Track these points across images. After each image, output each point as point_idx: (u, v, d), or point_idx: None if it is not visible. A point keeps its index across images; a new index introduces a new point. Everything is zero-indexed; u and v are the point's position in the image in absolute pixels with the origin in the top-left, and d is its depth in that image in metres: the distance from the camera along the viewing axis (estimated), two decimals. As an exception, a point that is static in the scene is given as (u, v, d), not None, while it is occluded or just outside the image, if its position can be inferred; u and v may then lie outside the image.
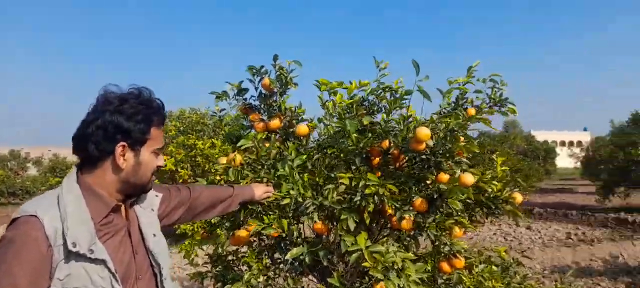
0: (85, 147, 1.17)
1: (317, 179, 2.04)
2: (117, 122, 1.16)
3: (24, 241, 1.05)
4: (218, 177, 2.07)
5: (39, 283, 1.05)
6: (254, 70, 2.17)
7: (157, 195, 1.44)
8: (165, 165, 7.40)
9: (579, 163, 18.01)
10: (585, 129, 61.74)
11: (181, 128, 8.04)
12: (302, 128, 2.17)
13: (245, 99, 2.29)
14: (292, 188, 1.92)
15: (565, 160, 27.81)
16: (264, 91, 2.24)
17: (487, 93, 2.31)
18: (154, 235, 1.33)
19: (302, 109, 2.28)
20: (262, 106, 2.29)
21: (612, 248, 7.22)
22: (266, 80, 2.16)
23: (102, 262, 1.12)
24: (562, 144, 56.32)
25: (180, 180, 7.73)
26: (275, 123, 2.20)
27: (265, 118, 2.27)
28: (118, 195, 1.24)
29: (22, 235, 1.05)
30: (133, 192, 1.27)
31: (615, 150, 12.57)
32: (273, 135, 2.24)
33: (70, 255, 1.07)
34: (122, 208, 1.27)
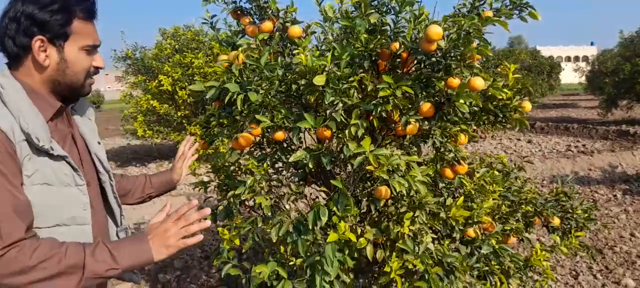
0: (2, 43, 1.09)
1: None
2: (29, 13, 1.05)
3: None
4: (216, 83, 2.00)
5: (17, 183, 1.01)
6: None
7: (91, 106, 1.38)
8: (164, 85, 7.31)
9: (583, 78, 17.74)
10: (592, 43, 60.36)
11: (176, 47, 7.83)
12: (295, 30, 2.07)
13: (235, 2, 2.16)
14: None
15: (570, 76, 27.42)
16: (253, -9, 2.11)
17: None
18: (98, 143, 1.27)
19: (293, 7, 2.16)
20: (253, 8, 2.17)
21: (612, 158, 7.30)
22: None
23: (63, 158, 1.08)
24: (568, 59, 55.40)
25: (180, 102, 7.68)
26: (267, 25, 2.09)
27: (257, 21, 2.16)
28: (53, 97, 1.16)
29: None
30: (68, 95, 1.18)
31: (621, 62, 12.31)
32: (275, 36, 2.15)
33: (33, 151, 1.03)
34: (64, 113, 1.20)
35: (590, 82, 15.85)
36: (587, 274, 3.36)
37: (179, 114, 7.61)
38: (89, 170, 1.20)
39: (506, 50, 16.53)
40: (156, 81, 7.54)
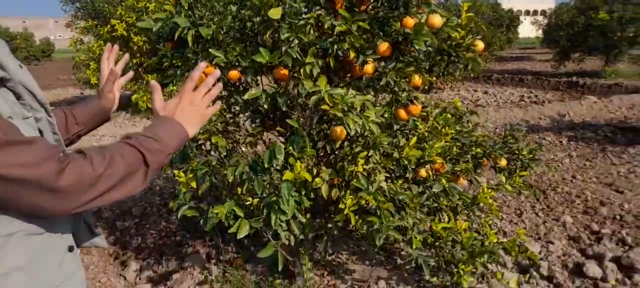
0: None
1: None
2: None
3: None
4: (161, 15, 1.91)
5: None
6: None
7: None
8: (117, 30, 6.95)
9: (540, 32, 18.18)
10: (550, -3, 61.57)
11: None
12: None
13: None
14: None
15: (527, 29, 28.03)
16: None
17: None
18: (20, 66, 0.92)
19: None
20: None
21: (560, 108, 7.65)
22: None
23: (2, 82, 0.84)
24: (527, 13, 56.43)
25: (135, 48, 7.35)
26: None
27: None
28: None
29: None
30: None
31: (576, 15, 12.68)
32: None
33: None
34: None
35: (546, 35, 16.29)
36: (530, 212, 3.58)
37: (134, 61, 7.31)
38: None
39: (467, 3, 16.61)
40: (108, 26, 7.15)
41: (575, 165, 4.78)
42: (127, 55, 1.40)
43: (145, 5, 6.83)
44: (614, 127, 6.32)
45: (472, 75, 12.55)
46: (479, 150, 2.63)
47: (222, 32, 1.90)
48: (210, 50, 1.85)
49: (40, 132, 0.89)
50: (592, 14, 11.68)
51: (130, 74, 1.46)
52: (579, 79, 11.14)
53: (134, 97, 2.24)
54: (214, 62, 1.90)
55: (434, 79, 2.38)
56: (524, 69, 15.48)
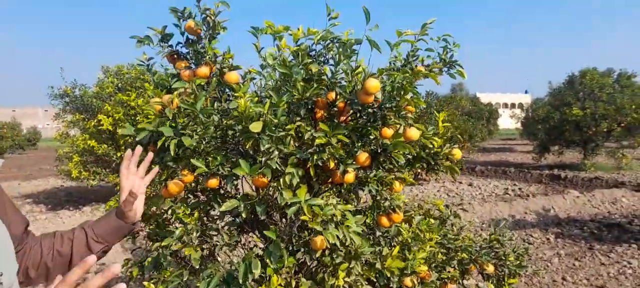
0: None
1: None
2: None
3: None
4: (149, 126, 1.91)
5: None
6: (178, 13, 2.01)
7: None
8: (103, 125, 7.00)
9: (519, 124, 18.93)
10: (526, 92, 64.96)
11: (119, 85, 7.59)
12: (232, 76, 2.04)
13: (171, 46, 2.12)
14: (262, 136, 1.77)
15: (507, 121, 29.21)
16: (189, 36, 2.08)
17: (438, 52, 2.25)
18: None
19: (230, 54, 2.14)
20: (189, 53, 2.13)
21: (545, 202, 7.69)
22: (190, 23, 2.00)
23: None
24: (505, 105, 59.11)
25: (121, 142, 7.36)
26: (203, 71, 2.05)
27: (193, 65, 2.12)
28: None
29: None
30: None
31: (551, 110, 13.27)
32: (213, 81, 2.11)
33: None
34: None
35: (524, 128, 16.91)
36: (522, 318, 3.43)
37: (119, 154, 7.28)
38: None
39: (448, 97, 17.38)
40: (95, 120, 7.21)
41: (565, 265, 4.69)
42: (151, 155, 1.34)
43: (133, 101, 6.95)
44: (599, 224, 6.33)
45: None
46: (465, 255, 2.56)
47: (204, 142, 1.89)
48: (191, 160, 1.83)
49: None
50: (566, 110, 12.22)
51: (155, 169, 1.40)
52: (560, 171, 11.37)
53: (109, 203, 2.17)
54: (196, 172, 1.87)
55: (419, 174, 2.37)
56: (506, 161, 15.81)
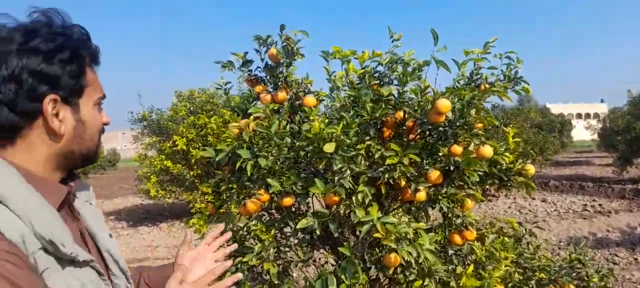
0: None
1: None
2: (34, 68, 0.77)
3: (0, 265, 0.68)
4: (227, 148, 2.05)
5: None
6: (261, 40, 2.15)
7: (89, 186, 1.03)
8: (178, 145, 7.46)
9: (595, 135, 17.66)
10: (602, 101, 60.58)
11: (191, 108, 8.07)
12: (310, 99, 2.14)
13: (251, 71, 2.26)
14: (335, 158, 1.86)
15: (581, 133, 27.37)
16: (270, 62, 2.21)
17: (501, 70, 2.23)
18: (110, 235, 0.97)
19: (309, 80, 2.25)
20: (268, 78, 2.26)
21: (630, 219, 7.11)
22: (273, 50, 2.13)
23: (87, 263, 0.82)
24: (579, 116, 55.45)
25: (193, 161, 7.80)
26: (282, 95, 2.17)
27: (271, 90, 2.25)
28: (57, 176, 0.86)
29: None
30: (76, 167, 0.90)
31: (632, 120, 12.29)
32: (286, 105, 2.22)
33: (54, 262, 0.76)
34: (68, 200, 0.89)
35: (602, 139, 15.76)
36: (610, 345, 3.19)
37: (191, 173, 7.71)
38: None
39: (515, 109, 16.64)
40: (170, 141, 7.71)
41: (656, 286, 4.31)
42: (228, 234, 1.31)
43: (204, 123, 7.36)
44: (695, 242, 5.75)
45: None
46: (543, 275, 2.46)
47: (278, 163, 2.00)
48: (268, 180, 1.94)
49: None
50: (651, 119, 11.27)
51: (234, 246, 1.33)
52: (646, 186, 10.45)
53: (192, 221, 2.33)
54: (270, 191, 1.98)
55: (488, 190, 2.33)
56: (583, 175, 14.79)
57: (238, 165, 1.96)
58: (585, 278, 2.50)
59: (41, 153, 0.81)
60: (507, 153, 2.06)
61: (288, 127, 2.14)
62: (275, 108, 2.21)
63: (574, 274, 2.53)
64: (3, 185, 0.74)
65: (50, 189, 0.82)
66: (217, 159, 2.09)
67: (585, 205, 9.06)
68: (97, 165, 27.97)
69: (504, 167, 2.09)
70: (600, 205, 8.97)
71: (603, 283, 2.43)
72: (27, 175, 0.79)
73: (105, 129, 0.95)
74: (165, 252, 6.63)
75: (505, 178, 2.11)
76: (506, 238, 2.41)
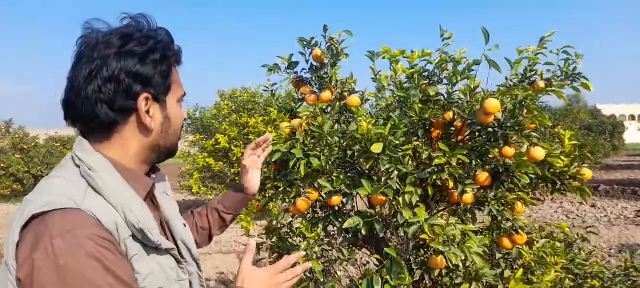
0: (91, 111, 0.84)
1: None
2: (130, 68, 0.84)
3: (96, 249, 0.74)
4: (282, 148, 2.09)
5: None
6: (305, 42, 2.18)
7: (166, 177, 1.10)
8: (220, 143, 7.65)
9: (651, 138, 16.67)
10: (658, 101, 57.10)
11: (233, 107, 8.25)
12: (354, 99, 2.15)
13: (297, 72, 2.30)
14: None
15: (635, 135, 25.92)
16: (314, 63, 2.24)
17: (559, 66, 2.16)
18: (185, 225, 1.04)
19: (353, 79, 2.26)
20: (313, 78, 2.29)
21: (689, 227, 6.69)
22: (317, 51, 2.16)
23: (169, 251, 0.89)
24: (632, 118, 52.52)
25: (234, 158, 7.98)
26: (326, 95, 2.19)
27: (316, 90, 2.27)
28: (144, 169, 0.95)
29: (86, 241, 0.74)
30: (160, 160, 0.98)
31: (694, 122, 11.54)
32: (336, 105, 2.24)
33: (141, 249, 0.83)
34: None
35: (658, 142, 14.86)
36: None
37: (233, 171, 7.88)
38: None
39: (564, 110, 15.98)
40: (213, 139, 7.91)
41: None
42: (268, 135, 1.49)
43: (246, 122, 7.51)
44: None
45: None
46: (596, 283, 2.37)
47: (329, 163, 2.02)
48: (319, 180, 1.96)
49: (191, 284, 0.97)
50: None
51: (269, 149, 1.52)
52: None
53: (238, 218, 2.40)
54: (322, 192, 2.00)
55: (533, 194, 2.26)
56: (636, 180, 14.01)
57: (292, 164, 2.00)
58: (642, 287, 2.38)
59: (133, 147, 0.90)
60: (562, 157, 2.00)
61: (335, 126, 2.16)
62: (323, 107, 2.23)
63: (629, 283, 2.42)
64: (101, 178, 0.82)
65: (140, 181, 0.90)
66: (273, 160, 2.13)
67: (638, 211, 8.59)
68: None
69: (557, 171, 2.02)
70: (655, 211, 8.49)
71: (662, 294, 2.30)
72: (121, 168, 0.87)
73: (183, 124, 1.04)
74: (207, 248, 6.81)
75: (559, 182, 2.05)
76: (557, 243, 2.33)
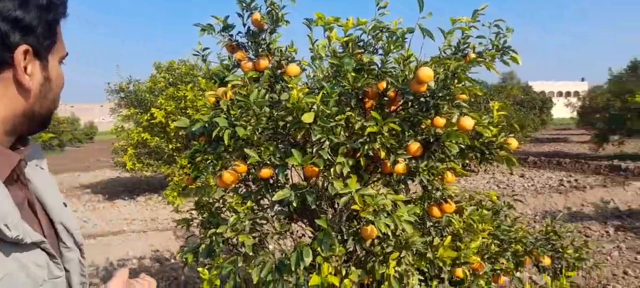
0: None
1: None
2: (8, 12, 0.67)
3: None
4: (203, 117, 1.98)
5: None
6: (244, 4, 2.05)
7: (40, 149, 0.89)
8: (156, 118, 7.29)
9: (575, 113, 17.98)
10: (582, 79, 61.55)
11: (170, 80, 7.88)
12: (293, 68, 2.07)
13: (232, 36, 2.17)
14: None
15: (561, 110, 27.82)
16: (253, 27, 2.12)
17: (490, 39, 2.18)
18: (65, 204, 0.85)
19: (293, 48, 2.17)
20: (250, 44, 2.17)
21: (604, 194, 7.29)
22: (257, 15, 2.04)
23: (37, 245, 0.71)
24: (560, 94, 56.32)
25: (172, 134, 7.65)
26: (263, 63, 2.09)
27: (252, 57, 2.16)
28: (9, 141, 0.75)
29: None
30: (31, 131, 0.80)
31: (611, 98, 12.51)
32: (266, 73, 2.14)
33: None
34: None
35: (581, 117, 16.05)
36: (581, 315, 3.29)
37: (170, 146, 7.57)
38: (55, 248, 0.78)
39: (498, 86, 16.78)
40: (148, 114, 7.53)
41: (626, 258, 4.43)
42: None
43: (184, 95, 7.19)
44: (665, 217, 5.93)
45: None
46: (519, 247, 2.48)
47: (257, 133, 1.93)
48: (245, 150, 1.88)
49: (67, 271, 0.80)
50: (628, 98, 11.48)
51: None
52: (620, 162, 10.71)
53: (165, 191, 2.27)
54: (248, 162, 1.92)
55: (467, 165, 2.32)
56: (561, 151, 15.08)
57: (214, 134, 1.89)
58: (560, 249, 2.53)
59: (0, 111, 0.70)
60: (490, 127, 2.03)
61: (267, 96, 2.07)
62: (254, 76, 2.13)
63: (549, 246, 2.56)
64: None
65: (1, 155, 0.71)
66: (193, 129, 2.01)
67: (562, 180, 9.25)
68: (74, 138, 27.38)
69: (486, 141, 2.06)
70: (576, 180, 9.17)
71: (577, 255, 2.46)
72: None
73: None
74: (142, 225, 6.55)
75: (487, 152, 2.09)
76: (485, 211, 2.41)
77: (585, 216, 6.21)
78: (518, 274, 2.45)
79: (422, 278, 2.01)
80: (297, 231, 2.61)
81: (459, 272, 2.09)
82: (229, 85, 1.93)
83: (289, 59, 2.19)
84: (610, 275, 3.99)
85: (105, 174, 12.36)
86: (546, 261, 2.45)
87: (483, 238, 2.30)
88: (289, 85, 1.90)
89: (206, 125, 1.96)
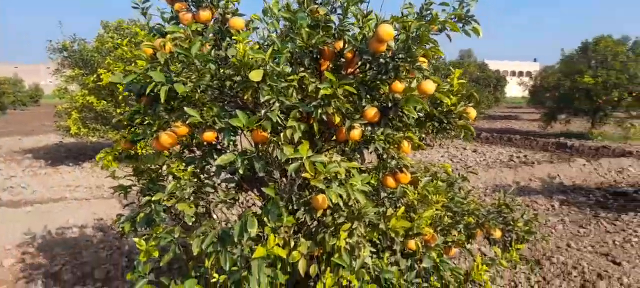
0: None
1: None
2: None
3: None
4: (138, 70, 1.78)
5: None
6: None
7: None
8: (103, 80, 6.84)
9: (526, 92, 18.62)
10: (535, 60, 63.93)
11: (119, 40, 7.39)
12: (237, 21, 1.89)
13: (170, -16, 1.96)
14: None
15: (514, 89, 28.78)
16: (191, -25, 1.92)
17: (453, 7, 2.07)
18: None
19: None
20: (190, -5, 1.97)
21: (551, 169, 7.58)
22: None
23: None
24: (513, 73, 58.30)
25: (120, 97, 7.22)
26: (205, 15, 1.90)
27: (193, 8, 1.96)
28: None
29: None
30: None
31: (561, 78, 12.98)
32: (210, 26, 1.95)
33: None
34: None
35: (532, 96, 16.62)
36: (525, 285, 3.37)
37: (118, 110, 7.16)
38: None
39: (456, 63, 17.04)
40: (95, 75, 7.05)
41: (569, 231, 4.61)
42: None
43: (133, 56, 6.76)
44: (605, 192, 6.23)
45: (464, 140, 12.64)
46: (471, 219, 2.46)
47: (199, 90, 1.76)
48: (185, 108, 1.70)
49: None
50: (578, 78, 11.94)
51: None
52: (567, 140, 11.21)
53: (98, 155, 2.07)
54: (188, 122, 1.74)
55: (423, 138, 2.26)
56: (512, 128, 15.63)
57: (149, 90, 1.70)
58: (511, 223, 2.54)
59: None
60: (450, 94, 1.96)
61: (213, 51, 1.88)
62: (198, 29, 1.94)
63: (500, 219, 2.56)
64: None
65: None
66: (125, 81, 1.81)
67: (512, 156, 9.57)
68: (17, 100, 25.66)
69: (445, 109, 1.99)
70: (525, 156, 9.52)
71: (527, 228, 2.47)
72: None
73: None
74: (86, 192, 6.20)
75: (446, 121, 2.02)
76: (440, 182, 2.36)
77: (532, 190, 6.43)
78: (468, 246, 2.45)
79: (373, 250, 1.93)
80: (248, 200, 2.48)
81: (412, 243, 2.03)
82: (168, 37, 1.73)
83: (233, 11, 2.01)
84: (554, 247, 4.13)
85: (50, 139, 11.65)
86: (497, 234, 2.45)
87: (437, 210, 2.25)
88: (235, 39, 1.73)
89: (140, 79, 1.76)
